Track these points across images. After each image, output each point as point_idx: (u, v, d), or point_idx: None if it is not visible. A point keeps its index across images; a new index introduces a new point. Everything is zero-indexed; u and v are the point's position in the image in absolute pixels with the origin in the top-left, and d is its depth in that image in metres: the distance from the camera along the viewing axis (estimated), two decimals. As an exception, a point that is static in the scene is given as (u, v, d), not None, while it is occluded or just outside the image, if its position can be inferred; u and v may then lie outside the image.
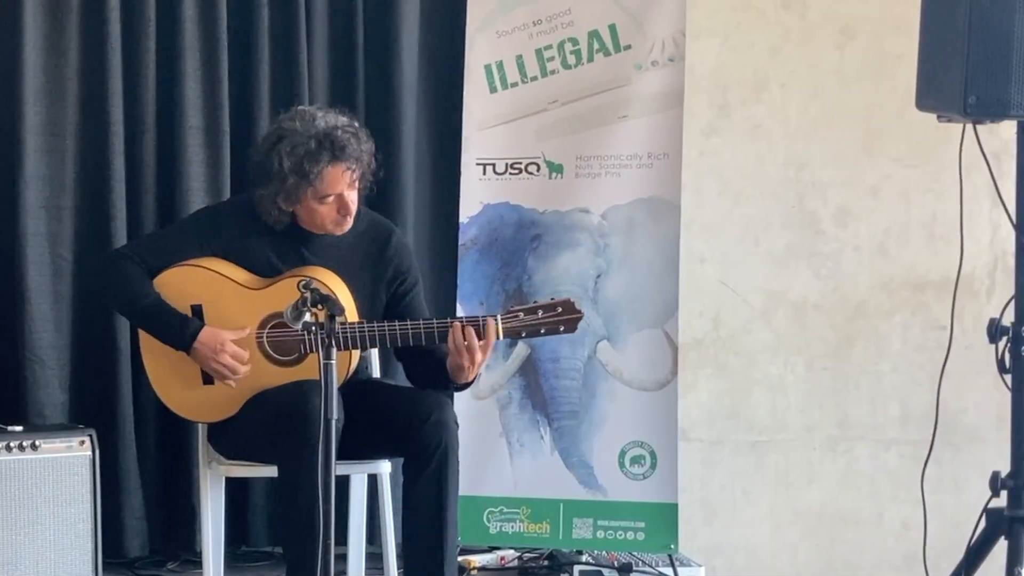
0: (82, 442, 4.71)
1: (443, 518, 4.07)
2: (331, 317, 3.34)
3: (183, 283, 4.09)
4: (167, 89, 5.03)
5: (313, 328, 3.38)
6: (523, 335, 4.06)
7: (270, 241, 4.15)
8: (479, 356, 4.01)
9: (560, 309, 4.02)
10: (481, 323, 4.00)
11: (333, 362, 3.31)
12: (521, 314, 4.02)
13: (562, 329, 4.03)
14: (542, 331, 4.03)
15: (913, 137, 5.31)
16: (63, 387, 4.98)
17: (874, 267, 5.45)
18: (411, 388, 4.31)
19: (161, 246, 4.19)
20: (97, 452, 4.72)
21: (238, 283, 4.09)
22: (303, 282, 3.52)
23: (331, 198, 4.08)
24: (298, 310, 3.49)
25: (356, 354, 4.10)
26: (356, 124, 4.15)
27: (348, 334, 3.95)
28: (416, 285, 4.30)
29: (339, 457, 3.87)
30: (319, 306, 3.38)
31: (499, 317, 4.02)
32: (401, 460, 4.46)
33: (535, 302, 4.11)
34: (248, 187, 4.24)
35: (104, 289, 4.20)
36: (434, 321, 4.04)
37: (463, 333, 3.97)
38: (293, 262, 4.15)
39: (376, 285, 4.21)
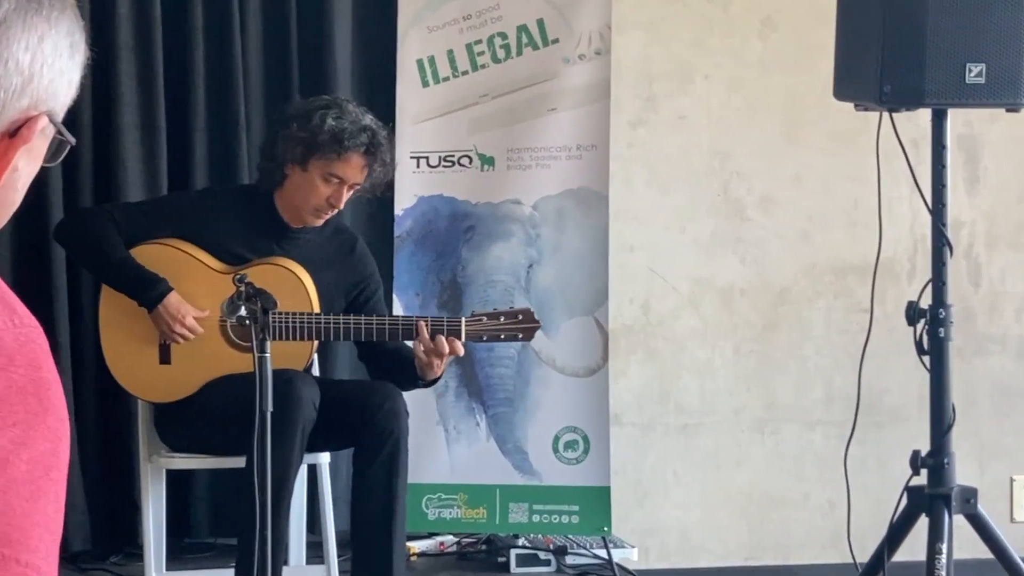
0: (23, 437, 4.66)
1: (393, 505, 4.08)
2: (264, 311, 3.32)
3: (153, 259, 4.07)
4: (103, 87, 4.97)
5: (247, 322, 3.35)
6: (484, 339, 4.11)
7: (245, 233, 4.15)
8: (446, 356, 4.05)
9: (521, 317, 4.10)
10: (446, 325, 4.02)
11: (267, 355, 3.29)
12: (484, 319, 4.10)
13: (520, 336, 4.10)
14: (502, 336, 4.10)
15: (834, 126, 5.33)
16: (3, 383, 4.91)
17: (798, 253, 5.46)
18: (360, 380, 4.31)
19: (137, 215, 4.19)
20: (38, 447, 4.67)
21: (207, 265, 4.09)
22: (237, 276, 3.49)
23: (335, 182, 4.11)
24: (233, 303, 3.46)
25: (316, 344, 4.11)
26: (393, 145, 4.24)
27: (313, 324, 3.97)
28: (378, 290, 4.35)
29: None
30: (253, 300, 3.35)
31: (463, 320, 4.06)
32: (339, 452, 4.46)
33: (495, 309, 4.15)
34: (272, 127, 4.26)
35: (80, 238, 4.15)
36: (399, 318, 4.08)
37: (443, 342, 4.02)
38: (263, 255, 4.14)
39: (337, 288, 4.23)
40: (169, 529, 4.87)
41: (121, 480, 4.92)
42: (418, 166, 4.93)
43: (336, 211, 4.19)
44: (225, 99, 5.05)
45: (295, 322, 3.98)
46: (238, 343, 4.05)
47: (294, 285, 4.03)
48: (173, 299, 4.01)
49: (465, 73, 4.95)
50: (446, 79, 4.95)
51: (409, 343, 4.16)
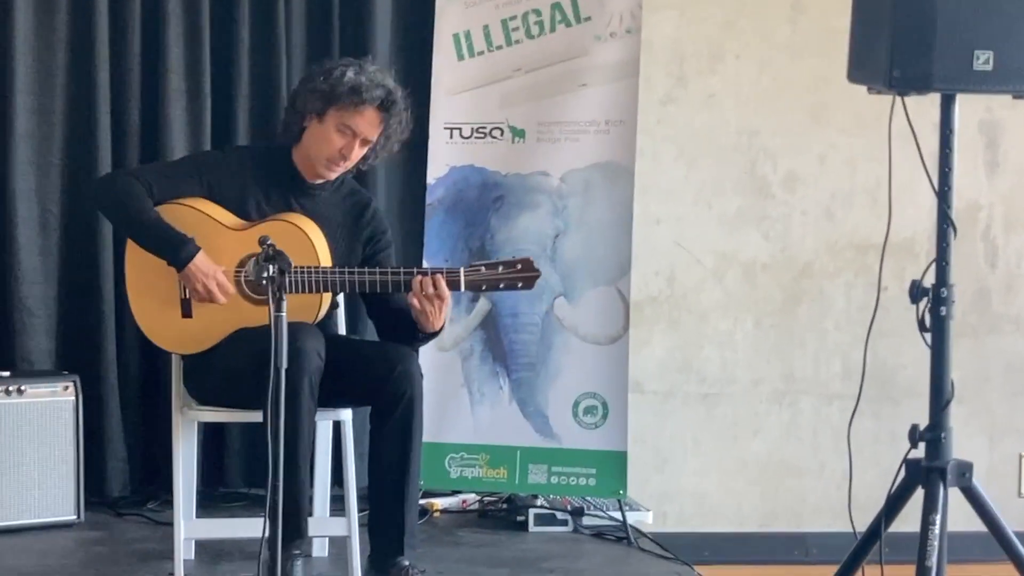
0: (66, 387, 4.76)
1: (407, 463, 4.11)
2: (281, 272, 3.37)
3: (170, 219, 4.12)
4: (151, 53, 5.05)
5: (264, 282, 3.41)
6: (484, 288, 4.09)
7: (263, 188, 4.19)
8: (441, 304, 4.04)
9: (520, 266, 4.06)
10: (445, 275, 4.04)
11: (283, 315, 3.35)
12: (483, 268, 4.06)
13: (520, 285, 4.06)
14: (501, 286, 4.06)
15: (858, 108, 5.30)
16: (50, 335, 5.02)
17: (820, 230, 5.49)
18: (378, 342, 4.34)
19: (164, 174, 4.23)
20: (80, 397, 4.76)
21: (223, 224, 4.14)
22: (262, 237, 3.54)
23: (348, 133, 4.13)
24: (259, 265, 3.52)
25: (327, 298, 4.14)
26: (410, 110, 4.23)
27: (316, 278, 4.00)
28: (389, 247, 4.36)
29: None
30: (272, 261, 3.40)
31: (462, 270, 4.06)
32: (365, 409, 4.52)
33: (497, 259, 4.15)
34: (299, 84, 4.28)
35: (110, 201, 4.19)
36: (401, 269, 4.08)
37: (430, 282, 4.00)
38: (280, 209, 4.19)
39: (353, 242, 4.26)
40: (204, 478, 4.97)
41: (159, 431, 4.98)
42: (451, 137, 4.97)
43: (349, 164, 4.19)
44: (268, 67, 5.11)
45: (299, 275, 3.97)
46: (252, 297, 4.10)
47: (300, 240, 4.05)
48: (202, 258, 4.06)
49: (499, 48, 4.98)
50: (481, 53, 4.98)
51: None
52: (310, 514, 4.28)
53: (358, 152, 4.17)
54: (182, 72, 5.05)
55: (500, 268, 4.04)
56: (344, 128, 4.13)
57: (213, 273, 4.06)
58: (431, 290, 4.01)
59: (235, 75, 5.11)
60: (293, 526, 3.98)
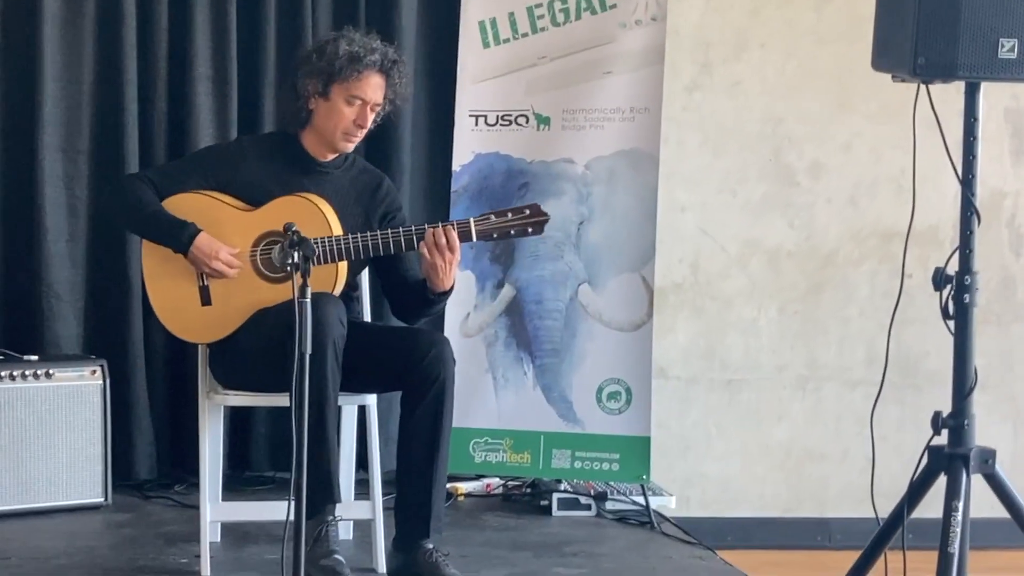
0: (94, 372, 4.78)
1: (436, 446, 4.11)
2: (306, 259, 3.38)
3: (181, 208, 4.13)
4: (178, 40, 5.06)
5: (289, 268, 3.42)
6: (495, 236, 4.10)
7: (275, 174, 4.20)
8: (452, 258, 4.05)
9: (528, 212, 4.08)
10: (456, 227, 4.05)
11: (307, 300, 3.35)
12: (492, 217, 4.08)
13: (530, 230, 4.07)
14: (512, 232, 4.07)
15: (884, 96, 5.28)
16: (78, 320, 5.04)
17: (844, 218, 5.47)
18: (409, 327, 4.35)
19: (169, 173, 4.26)
20: (108, 381, 4.79)
21: (232, 206, 4.15)
22: (287, 224, 3.55)
23: (358, 103, 4.16)
24: (284, 252, 3.53)
25: (343, 269, 4.14)
26: (406, 64, 4.29)
27: (331, 247, 4.01)
28: (404, 223, 4.35)
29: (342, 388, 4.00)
30: (296, 248, 3.41)
31: (472, 220, 4.08)
32: (389, 395, 4.53)
33: (503, 209, 4.15)
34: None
35: (113, 204, 4.23)
36: (412, 227, 4.08)
37: (442, 232, 4.02)
38: (294, 192, 4.19)
39: (369, 218, 4.27)
40: (230, 462, 4.99)
41: (186, 415, 5.01)
42: (476, 124, 4.97)
43: (364, 131, 4.21)
44: (295, 55, 5.10)
45: (315, 246, 3.96)
46: (269, 275, 4.11)
47: (311, 212, 4.06)
48: (203, 239, 4.08)
49: (525, 35, 4.98)
50: (506, 41, 4.98)
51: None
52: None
53: (370, 118, 4.20)
54: (209, 59, 5.06)
55: (509, 215, 4.06)
56: (352, 99, 4.16)
57: (215, 252, 4.07)
58: (443, 240, 4.02)
59: (262, 63, 5.11)
60: (326, 491, 4.00)
